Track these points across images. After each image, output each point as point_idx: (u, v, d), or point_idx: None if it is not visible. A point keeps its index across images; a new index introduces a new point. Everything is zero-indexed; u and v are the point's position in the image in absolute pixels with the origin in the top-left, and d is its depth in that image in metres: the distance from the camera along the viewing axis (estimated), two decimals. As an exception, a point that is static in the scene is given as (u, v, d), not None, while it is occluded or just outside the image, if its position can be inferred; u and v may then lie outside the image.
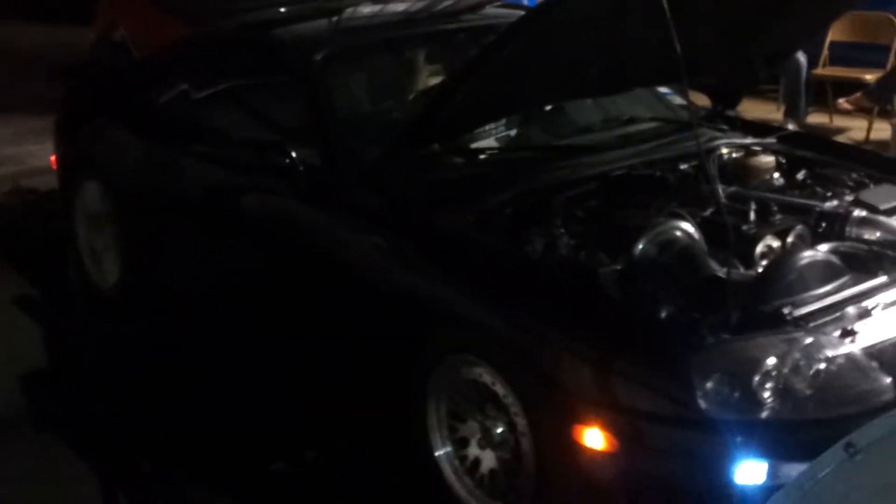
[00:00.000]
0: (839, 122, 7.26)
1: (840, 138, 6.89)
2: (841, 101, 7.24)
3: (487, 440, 3.16)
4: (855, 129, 7.15)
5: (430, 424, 3.28)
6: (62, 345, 4.72)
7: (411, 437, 3.34)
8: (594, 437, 2.81)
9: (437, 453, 3.28)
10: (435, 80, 4.31)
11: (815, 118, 7.24)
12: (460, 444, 3.25)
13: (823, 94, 7.28)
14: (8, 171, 6.78)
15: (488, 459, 3.18)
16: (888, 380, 2.79)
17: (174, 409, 4.04)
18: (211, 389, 4.13)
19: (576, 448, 2.84)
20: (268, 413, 3.93)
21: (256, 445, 3.77)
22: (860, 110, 7.21)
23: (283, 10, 4.80)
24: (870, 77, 7.11)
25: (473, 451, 3.22)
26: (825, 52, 7.30)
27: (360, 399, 3.64)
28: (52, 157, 5.39)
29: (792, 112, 7.03)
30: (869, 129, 6.89)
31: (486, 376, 3.08)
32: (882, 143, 6.65)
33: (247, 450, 3.75)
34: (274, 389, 4.03)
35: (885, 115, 6.99)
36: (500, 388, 3.05)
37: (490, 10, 4.72)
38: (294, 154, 3.64)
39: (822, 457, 1.48)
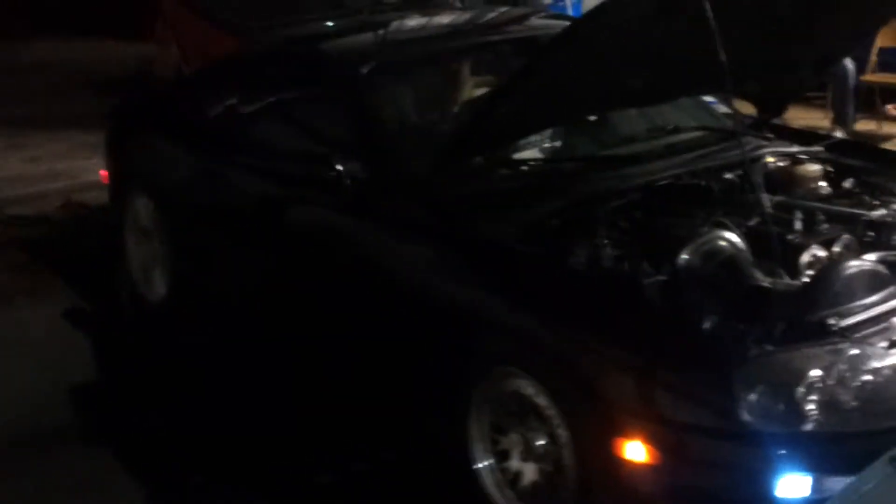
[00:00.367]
0: (888, 128, 7.17)
1: (888, 145, 6.78)
2: (890, 107, 7.16)
3: (529, 452, 3.16)
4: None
5: (472, 436, 3.28)
6: (112, 357, 4.79)
7: (452, 449, 3.34)
8: (636, 450, 2.80)
9: (478, 465, 3.28)
10: (480, 92, 4.32)
11: (864, 125, 7.15)
12: (502, 456, 3.25)
13: (871, 100, 7.20)
14: (60, 185, 6.87)
15: (530, 472, 3.17)
16: (936, 392, 2.76)
17: (221, 420, 4.08)
18: (257, 401, 4.17)
19: (618, 460, 2.84)
20: (314, 424, 3.96)
21: (303, 457, 3.80)
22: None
23: (330, 23, 4.84)
24: (920, 83, 7.04)
25: (515, 463, 3.22)
26: (873, 58, 7.21)
27: (402, 410, 3.65)
28: (103, 172, 5.48)
29: (840, 119, 6.95)
30: (919, 137, 6.83)
31: (528, 388, 3.08)
32: (933, 151, 6.55)
33: (293, 462, 3.78)
34: (319, 400, 4.05)
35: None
36: (542, 400, 3.05)
37: (535, 20, 4.74)
38: (340, 167, 3.67)
39: (866, 470, 1.47)
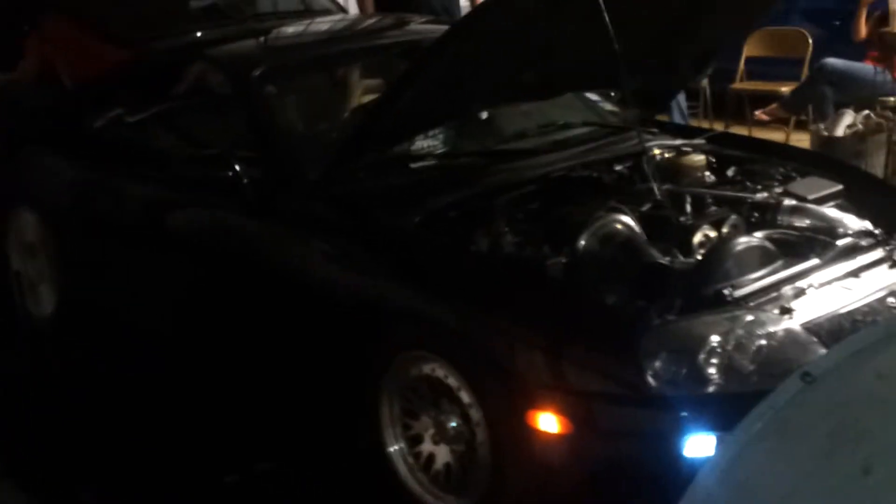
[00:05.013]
0: (758, 133, 7.46)
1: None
2: (758, 112, 7.47)
3: (441, 435, 3.21)
4: (773, 140, 7.35)
5: (384, 423, 3.31)
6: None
7: (365, 437, 3.37)
8: (548, 422, 2.88)
9: (389, 450, 3.31)
10: (369, 92, 4.39)
11: (735, 131, 7.42)
12: (414, 441, 3.29)
13: (741, 107, 7.49)
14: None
15: (443, 454, 3.22)
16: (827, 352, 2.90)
17: (122, 430, 4.02)
18: (159, 408, 4.13)
19: (530, 433, 2.90)
20: (219, 426, 3.94)
21: (209, 459, 3.78)
22: (777, 121, 7.44)
23: (199, 34, 4.84)
24: (785, 89, 7.35)
25: (427, 447, 3.26)
26: (741, 67, 7.53)
27: (313, 405, 3.66)
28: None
29: None
30: (787, 140, 7.11)
31: (438, 371, 3.13)
32: (801, 153, 6.83)
33: (200, 464, 3.76)
34: (224, 402, 4.04)
35: (801, 125, 7.22)
36: (453, 382, 3.10)
37: (415, 26, 4.83)
38: (238, 167, 3.67)
39: (779, 387, 1.56)
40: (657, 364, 2.79)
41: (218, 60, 4.36)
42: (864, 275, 3.21)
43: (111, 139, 4.55)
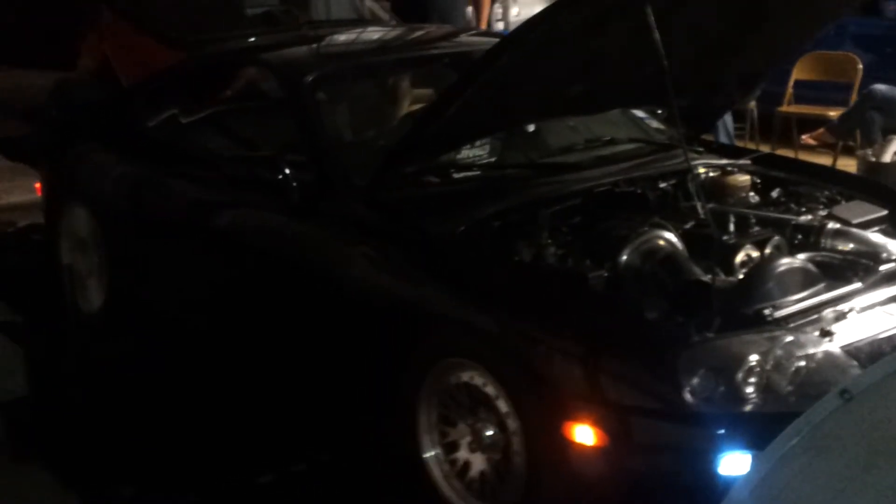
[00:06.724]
0: (804, 156, 7.44)
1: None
2: (805, 136, 7.45)
3: (477, 443, 3.24)
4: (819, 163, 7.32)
5: (420, 429, 3.35)
6: (45, 370, 4.74)
7: (401, 443, 3.41)
8: (584, 434, 2.90)
9: (425, 455, 3.35)
10: (417, 102, 4.44)
11: (781, 153, 7.40)
12: (450, 447, 3.32)
13: (788, 130, 7.48)
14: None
15: (478, 462, 3.25)
16: (865, 376, 2.90)
17: (160, 426, 4.07)
18: (197, 406, 4.19)
19: (566, 445, 2.93)
20: (256, 427, 3.99)
21: (244, 459, 3.82)
22: (824, 146, 7.42)
23: (252, 39, 4.93)
24: (833, 114, 7.33)
25: (463, 454, 3.29)
26: (790, 90, 7.51)
27: (350, 407, 3.71)
28: (37, 184, 5.46)
29: None
30: (834, 164, 7.08)
31: (477, 378, 3.17)
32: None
33: (235, 464, 3.80)
34: (263, 403, 4.09)
35: (848, 151, 7.19)
36: (491, 390, 3.13)
37: (465, 38, 4.88)
38: (288, 170, 3.73)
39: (818, 404, 1.58)
40: (695, 381, 2.81)
41: (271, 65, 4.44)
42: (906, 300, 3.21)
43: (164, 138, 4.63)
